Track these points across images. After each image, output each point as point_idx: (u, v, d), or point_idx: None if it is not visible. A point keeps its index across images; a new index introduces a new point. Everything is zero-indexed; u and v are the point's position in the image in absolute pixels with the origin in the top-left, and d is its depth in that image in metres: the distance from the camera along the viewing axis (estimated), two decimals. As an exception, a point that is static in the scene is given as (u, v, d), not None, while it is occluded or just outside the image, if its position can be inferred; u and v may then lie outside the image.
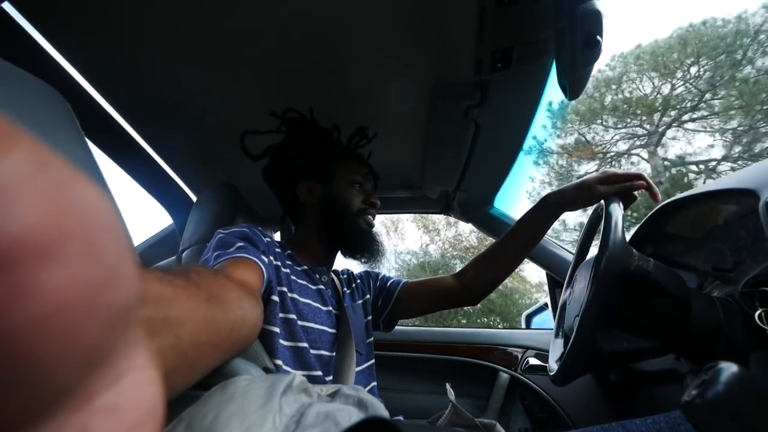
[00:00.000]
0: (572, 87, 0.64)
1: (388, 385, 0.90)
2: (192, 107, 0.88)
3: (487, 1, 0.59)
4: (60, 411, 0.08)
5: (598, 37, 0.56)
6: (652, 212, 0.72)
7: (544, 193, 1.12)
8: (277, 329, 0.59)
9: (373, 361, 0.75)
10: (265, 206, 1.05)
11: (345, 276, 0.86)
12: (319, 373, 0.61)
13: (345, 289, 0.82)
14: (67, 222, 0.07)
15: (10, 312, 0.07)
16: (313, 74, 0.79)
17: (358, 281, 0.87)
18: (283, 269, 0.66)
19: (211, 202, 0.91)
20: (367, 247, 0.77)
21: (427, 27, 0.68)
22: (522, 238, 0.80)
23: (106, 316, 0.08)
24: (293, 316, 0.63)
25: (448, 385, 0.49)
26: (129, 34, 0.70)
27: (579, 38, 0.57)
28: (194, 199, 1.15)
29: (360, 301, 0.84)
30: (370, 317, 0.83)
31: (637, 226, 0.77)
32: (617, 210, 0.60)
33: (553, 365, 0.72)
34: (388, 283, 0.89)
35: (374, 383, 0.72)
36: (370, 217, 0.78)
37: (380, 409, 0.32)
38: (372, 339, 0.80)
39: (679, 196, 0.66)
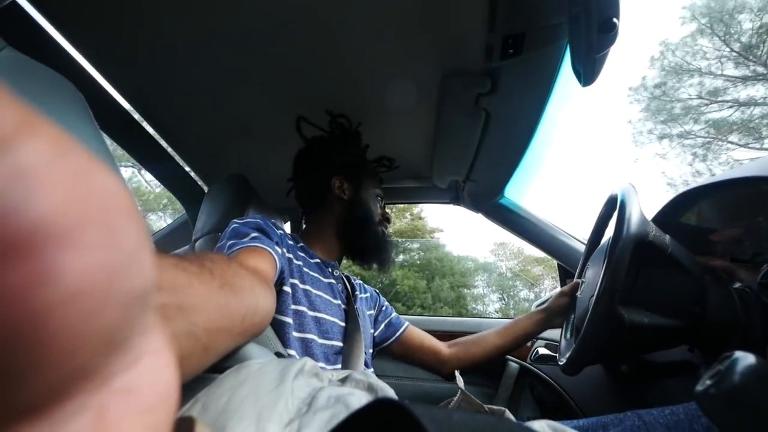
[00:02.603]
0: (587, 73, 0.63)
1: (397, 373, 0.91)
2: (204, 99, 0.88)
3: (499, -16, 0.58)
4: (80, 391, 0.08)
5: (615, 19, 0.54)
6: (668, 201, 0.71)
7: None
8: (289, 320, 0.60)
9: (372, 370, 0.75)
10: (274, 197, 1.05)
11: (357, 283, 0.88)
12: (323, 364, 0.62)
13: (358, 293, 0.83)
14: (86, 208, 0.08)
15: (32, 295, 0.07)
16: (322, 65, 0.79)
17: (368, 294, 0.89)
18: (295, 261, 0.67)
19: (222, 193, 0.92)
20: (382, 252, 0.81)
21: (437, 14, 0.67)
22: (512, 333, 0.83)
23: (123, 300, 0.08)
24: (304, 308, 0.64)
25: (457, 372, 0.49)
26: (142, 27, 0.70)
27: (594, 22, 0.55)
28: (206, 189, 1.16)
29: (369, 312, 0.85)
30: (373, 331, 0.85)
31: (652, 216, 0.76)
32: (632, 191, 0.60)
33: (564, 348, 0.72)
34: (392, 317, 0.90)
35: None
36: (385, 230, 0.83)
37: (390, 394, 0.33)
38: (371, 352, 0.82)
39: (696, 184, 0.64)
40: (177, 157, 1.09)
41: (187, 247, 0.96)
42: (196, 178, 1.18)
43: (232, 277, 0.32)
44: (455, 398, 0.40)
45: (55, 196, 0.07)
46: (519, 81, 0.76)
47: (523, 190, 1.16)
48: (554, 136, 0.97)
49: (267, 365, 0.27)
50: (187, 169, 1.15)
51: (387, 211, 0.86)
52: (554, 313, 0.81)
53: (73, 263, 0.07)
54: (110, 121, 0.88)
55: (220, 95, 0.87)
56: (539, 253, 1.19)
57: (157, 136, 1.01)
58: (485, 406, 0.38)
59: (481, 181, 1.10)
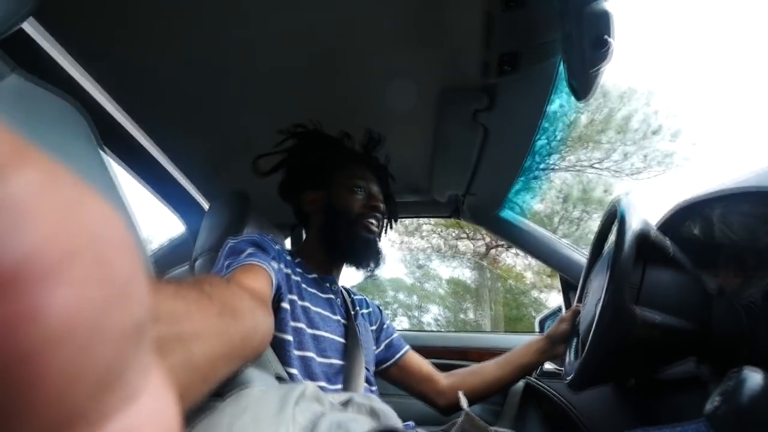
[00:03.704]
0: (581, 88, 0.64)
1: (397, 391, 0.89)
2: (204, 116, 0.89)
3: (493, 4, 0.59)
4: None
5: (607, 37, 0.55)
6: (666, 214, 0.71)
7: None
8: (289, 337, 0.60)
9: (376, 388, 0.73)
10: (277, 213, 1.06)
11: (358, 298, 0.86)
12: (324, 383, 0.61)
13: (358, 308, 0.81)
14: (75, 241, 0.07)
15: (17, 335, 0.06)
16: (321, 82, 0.80)
17: (371, 309, 0.86)
18: (293, 277, 0.66)
19: (222, 211, 0.92)
20: (364, 255, 0.76)
21: (433, 32, 0.68)
22: (512, 364, 0.79)
23: (117, 336, 0.08)
24: (302, 325, 0.63)
25: (460, 393, 0.48)
26: (143, 45, 0.72)
27: (586, 39, 0.56)
28: (206, 207, 1.17)
29: (371, 328, 0.83)
30: (375, 348, 0.82)
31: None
32: (632, 202, 0.61)
33: (569, 368, 0.70)
34: (393, 338, 0.86)
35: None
36: (371, 222, 0.76)
37: (393, 418, 0.32)
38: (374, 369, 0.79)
39: (694, 196, 0.64)
40: (178, 175, 1.10)
41: (186, 267, 0.96)
42: (197, 196, 1.19)
43: (231, 300, 0.32)
44: (459, 420, 0.39)
45: (42, 230, 0.07)
46: (516, 96, 0.77)
47: (524, 203, 1.16)
48: (552, 148, 0.98)
49: (268, 392, 0.27)
50: (188, 186, 1.15)
51: (375, 199, 0.77)
52: (555, 341, 0.78)
53: (61, 300, 0.07)
54: (112, 140, 0.89)
55: (221, 113, 0.88)
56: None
57: (158, 155, 1.01)
58: (491, 428, 0.37)
59: (480, 195, 1.10)
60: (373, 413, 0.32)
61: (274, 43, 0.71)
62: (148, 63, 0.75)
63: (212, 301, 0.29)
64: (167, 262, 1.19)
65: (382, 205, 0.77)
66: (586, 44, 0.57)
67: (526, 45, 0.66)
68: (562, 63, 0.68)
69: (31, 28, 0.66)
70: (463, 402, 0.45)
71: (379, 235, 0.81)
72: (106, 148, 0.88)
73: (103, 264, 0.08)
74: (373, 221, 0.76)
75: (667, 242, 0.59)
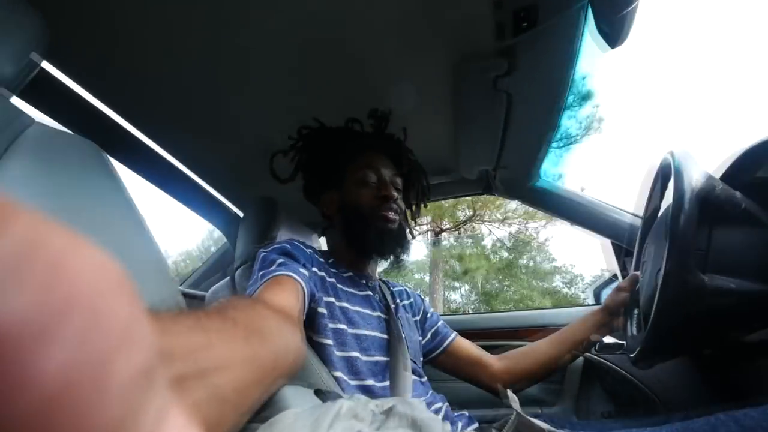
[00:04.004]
0: (614, 33, 0.56)
1: (449, 377, 0.88)
2: (228, 128, 0.91)
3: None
4: None
5: (640, -33, 0.47)
6: (737, 156, 0.61)
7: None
8: (329, 341, 0.60)
9: (425, 379, 0.72)
10: (306, 213, 1.06)
11: (397, 289, 0.85)
12: (372, 381, 0.61)
13: (398, 300, 0.80)
14: (66, 297, 0.07)
15: (11, 403, 0.06)
16: (335, 75, 0.78)
17: (412, 300, 0.85)
18: (328, 279, 0.66)
19: (254, 218, 0.94)
20: (387, 248, 0.73)
21: (439, 1, 0.63)
22: (567, 341, 0.75)
23: (122, 386, 0.08)
24: (343, 326, 0.63)
25: (509, 392, 0.45)
26: (158, 70, 0.73)
27: (616, -26, 0.49)
28: (241, 215, 1.20)
29: (414, 318, 0.81)
30: (421, 338, 0.81)
31: (719, 175, 0.66)
32: (688, 153, 0.53)
33: (632, 343, 0.65)
34: (438, 326, 0.84)
35: (436, 403, 0.67)
36: (388, 213, 0.72)
37: (435, 429, 0.30)
38: (422, 359, 0.77)
39: (765, 137, 0.55)
40: (209, 188, 1.14)
41: (227, 279, 0.99)
42: (231, 206, 1.22)
43: (257, 322, 0.31)
44: (510, 421, 0.36)
45: (30, 290, 0.07)
46: (538, 55, 0.70)
47: (560, 169, 1.08)
48: (586, 107, 0.89)
49: (300, 416, 0.26)
50: (221, 198, 1.19)
51: (386, 188, 0.73)
52: (614, 312, 0.72)
53: (56, 360, 0.07)
54: (140, 162, 0.93)
55: (241, 122, 0.89)
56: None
57: (187, 170, 1.05)
58: (544, 428, 0.34)
59: (512, 167, 1.03)
60: (414, 426, 0.30)
61: (285, 47, 0.70)
62: (167, 86, 0.77)
63: (237, 327, 0.29)
64: (211, 275, 1.25)
65: (394, 193, 0.74)
66: (615, -19, 0.50)
67: (543, -5, 0.59)
68: (589, 7, 0.60)
69: (49, 65, 0.70)
70: (514, 402, 0.42)
71: (405, 220, 0.79)
72: (137, 171, 0.94)
73: (97, 316, 0.08)
74: (389, 211, 0.73)
75: (737, 195, 0.51)
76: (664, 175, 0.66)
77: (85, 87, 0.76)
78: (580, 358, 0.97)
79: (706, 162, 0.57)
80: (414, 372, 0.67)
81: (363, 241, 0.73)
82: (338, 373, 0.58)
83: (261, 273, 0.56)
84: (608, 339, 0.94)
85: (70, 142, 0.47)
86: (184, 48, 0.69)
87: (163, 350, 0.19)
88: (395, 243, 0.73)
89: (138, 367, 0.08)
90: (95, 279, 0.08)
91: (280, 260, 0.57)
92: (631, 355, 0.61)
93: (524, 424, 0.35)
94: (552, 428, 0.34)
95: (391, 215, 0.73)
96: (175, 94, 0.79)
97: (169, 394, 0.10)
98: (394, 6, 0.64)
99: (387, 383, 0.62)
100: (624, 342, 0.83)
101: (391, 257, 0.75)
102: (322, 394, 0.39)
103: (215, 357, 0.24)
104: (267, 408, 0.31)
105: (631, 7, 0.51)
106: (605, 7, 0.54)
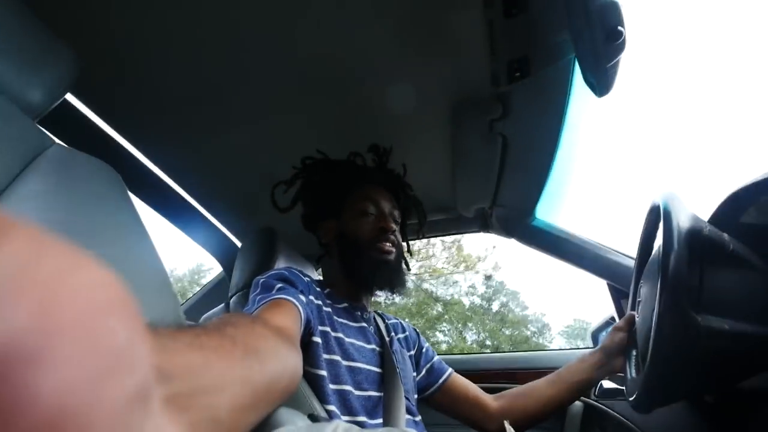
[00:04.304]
0: (600, 84, 0.61)
1: (444, 420, 0.84)
2: (229, 159, 0.94)
3: (495, 12, 0.58)
4: None
5: (620, 28, 0.52)
6: (723, 199, 0.64)
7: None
8: (323, 372, 0.58)
9: (420, 418, 0.69)
10: (305, 245, 1.07)
11: (392, 322, 0.84)
12: (364, 418, 0.59)
13: (393, 333, 0.79)
14: (63, 315, 0.07)
15: (9, 425, 0.06)
16: (336, 112, 0.83)
17: (407, 333, 0.84)
18: (324, 308, 0.66)
19: (253, 248, 0.95)
20: (385, 279, 0.73)
21: (438, 47, 0.68)
22: (566, 381, 0.73)
23: (118, 405, 0.08)
24: (338, 357, 0.61)
25: (506, 424, 0.44)
26: (170, 102, 0.78)
27: (599, 33, 0.54)
28: (239, 245, 1.21)
29: (409, 353, 0.80)
30: (415, 374, 0.79)
31: (707, 218, 0.68)
32: (675, 196, 0.55)
33: (631, 385, 0.63)
34: (434, 362, 0.82)
35: None
36: (385, 244, 0.73)
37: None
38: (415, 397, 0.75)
39: (749, 182, 0.58)
40: (211, 218, 1.15)
41: (222, 305, 0.98)
42: (230, 236, 1.23)
43: (255, 341, 0.31)
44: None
45: (26, 308, 0.06)
46: (531, 101, 0.75)
47: (557, 209, 1.10)
48: (581, 148, 0.93)
49: None
50: (220, 226, 1.20)
51: (385, 220, 0.75)
52: (612, 353, 0.71)
53: (52, 380, 0.07)
54: (146, 189, 0.96)
55: (247, 154, 0.93)
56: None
57: (191, 200, 1.07)
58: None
59: (509, 206, 1.06)
60: (407, 452, 0.30)
61: (287, 82, 0.75)
62: (172, 113, 0.81)
63: (235, 345, 0.29)
64: (206, 304, 1.23)
65: (393, 225, 0.75)
66: (599, 39, 0.55)
67: (535, 48, 0.64)
68: (576, 61, 0.66)
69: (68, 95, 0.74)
70: (510, 433, 0.41)
71: (401, 253, 0.79)
72: (142, 198, 0.96)
73: (94, 336, 0.07)
74: (387, 243, 0.73)
75: (725, 237, 0.52)
76: (654, 216, 0.68)
77: (96, 112, 0.80)
78: (580, 404, 0.94)
79: (695, 204, 0.60)
80: (408, 411, 0.65)
81: (359, 271, 0.73)
82: (331, 407, 0.56)
83: (259, 297, 0.56)
84: (607, 383, 0.92)
85: (86, 162, 0.50)
86: (191, 79, 0.73)
87: (160, 368, 0.19)
88: (391, 274, 0.73)
89: (134, 388, 0.08)
90: (93, 297, 0.08)
91: (279, 285, 0.58)
92: (631, 399, 0.60)
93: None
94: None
95: (388, 246, 0.73)
96: (185, 123, 0.83)
97: (165, 415, 0.10)
98: (396, 50, 0.69)
99: (380, 420, 0.60)
100: (623, 388, 0.81)
101: (387, 289, 0.75)
102: (315, 420, 0.38)
103: (212, 377, 0.24)
104: (261, 429, 0.30)
105: (614, 61, 0.56)
106: (590, 61, 0.59)
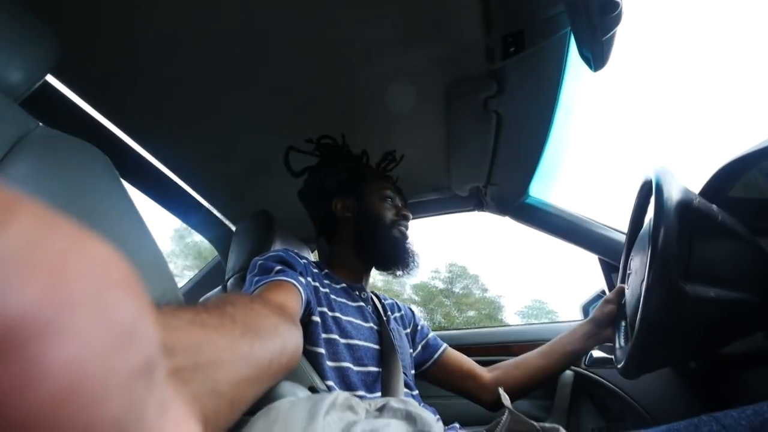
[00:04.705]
0: (596, 57, 0.60)
1: (440, 392, 0.87)
2: (223, 144, 0.93)
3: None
4: None
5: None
6: (713, 173, 0.65)
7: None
8: (322, 350, 0.60)
9: (417, 392, 0.72)
10: (300, 228, 1.07)
11: (389, 302, 0.85)
12: (363, 392, 0.60)
13: (389, 313, 0.81)
14: (73, 289, 0.07)
15: (21, 398, 0.06)
16: (330, 93, 0.81)
17: (402, 312, 0.86)
18: (321, 289, 0.66)
19: (248, 231, 0.95)
20: (402, 257, 0.77)
21: (432, 25, 0.67)
22: (557, 352, 0.75)
23: (127, 378, 0.08)
24: (335, 336, 0.63)
25: (501, 390, 0.46)
26: (164, 86, 0.75)
27: (595, 5, 0.53)
28: (233, 229, 1.20)
29: (405, 331, 0.82)
30: (412, 350, 0.81)
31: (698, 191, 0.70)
32: (667, 170, 0.56)
33: (620, 354, 0.66)
34: (429, 338, 0.85)
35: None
36: (403, 228, 0.79)
37: (430, 422, 0.31)
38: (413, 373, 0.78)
39: (737, 156, 0.59)
40: (203, 201, 1.14)
41: (219, 288, 0.99)
42: (224, 219, 1.23)
43: (255, 319, 0.32)
44: (503, 418, 0.37)
45: (36, 283, 0.07)
46: (526, 77, 0.74)
47: (550, 186, 1.11)
48: (575, 125, 0.93)
49: (297, 403, 0.26)
50: (214, 211, 1.19)
51: (404, 209, 0.81)
52: (602, 324, 0.73)
53: (64, 353, 0.07)
54: (137, 174, 0.94)
55: (240, 139, 0.91)
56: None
57: (182, 184, 1.06)
58: (537, 424, 0.35)
59: (503, 184, 1.06)
60: (409, 417, 0.31)
61: (282, 69, 0.73)
62: (165, 98, 0.79)
63: (235, 323, 0.29)
64: (202, 288, 1.24)
65: (410, 215, 0.81)
66: (594, 11, 0.54)
67: (529, 22, 0.63)
68: (571, 34, 0.65)
69: (53, 79, 0.72)
70: (505, 399, 0.43)
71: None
72: (132, 182, 0.94)
73: (103, 310, 0.08)
74: (405, 227, 0.79)
75: (714, 208, 0.54)
76: (646, 190, 0.69)
77: (82, 96, 0.77)
78: (570, 374, 0.98)
79: (686, 177, 0.61)
80: (405, 385, 0.67)
81: (377, 248, 0.76)
82: (330, 383, 0.58)
83: (257, 279, 0.56)
84: (597, 353, 0.95)
85: (73, 144, 0.48)
86: (185, 62, 0.71)
87: (164, 343, 0.20)
88: (408, 254, 0.78)
89: (142, 360, 0.08)
90: (101, 273, 0.08)
91: (278, 267, 0.58)
92: (619, 366, 0.62)
93: (516, 420, 0.35)
94: (542, 424, 0.34)
95: (405, 230, 0.79)
96: (173, 106, 0.81)
97: (170, 387, 0.10)
98: (390, 31, 0.68)
99: (379, 394, 0.62)
100: (613, 357, 0.84)
101: (401, 266, 0.78)
102: (315, 392, 0.39)
103: (213, 352, 0.24)
104: (263, 402, 0.31)
105: (609, 34, 0.56)
106: (586, 34, 0.58)
